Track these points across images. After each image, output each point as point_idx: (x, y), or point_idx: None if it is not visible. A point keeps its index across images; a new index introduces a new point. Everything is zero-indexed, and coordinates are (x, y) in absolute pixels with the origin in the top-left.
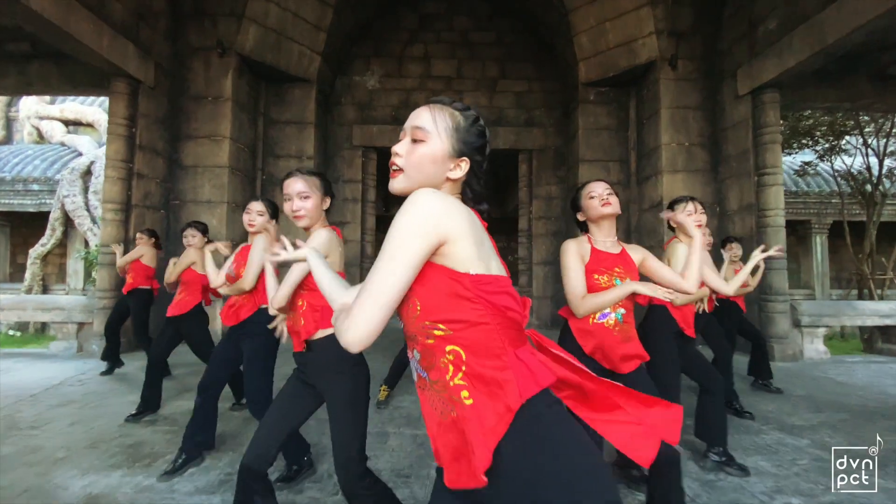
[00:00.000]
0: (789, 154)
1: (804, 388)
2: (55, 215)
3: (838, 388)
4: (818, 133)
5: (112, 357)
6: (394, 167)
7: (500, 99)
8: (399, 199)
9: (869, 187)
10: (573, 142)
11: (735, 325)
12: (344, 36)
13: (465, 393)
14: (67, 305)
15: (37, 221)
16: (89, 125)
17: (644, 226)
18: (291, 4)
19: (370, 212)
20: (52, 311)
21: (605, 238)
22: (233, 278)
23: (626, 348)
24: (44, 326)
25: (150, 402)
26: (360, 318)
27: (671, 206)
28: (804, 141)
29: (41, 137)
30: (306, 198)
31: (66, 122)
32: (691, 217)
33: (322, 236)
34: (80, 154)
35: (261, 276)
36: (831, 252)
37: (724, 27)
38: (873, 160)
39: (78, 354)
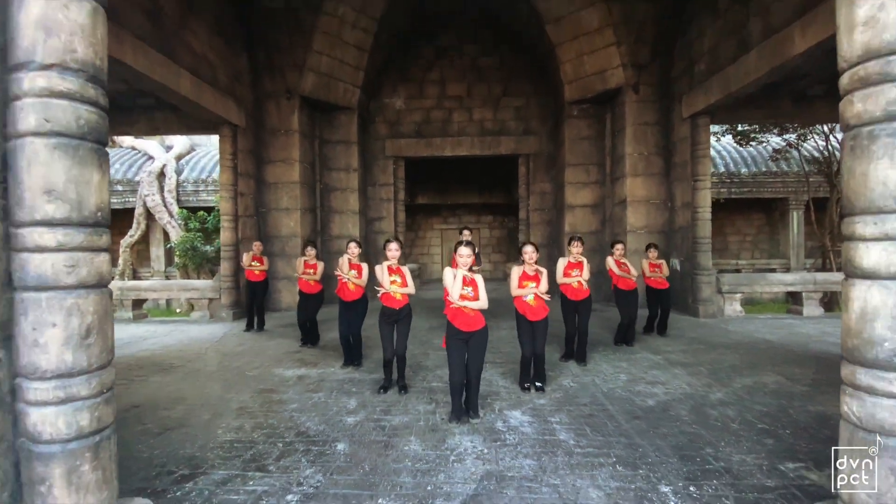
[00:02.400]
0: (762, 143)
1: (698, 333)
2: (139, 211)
3: (721, 333)
4: (788, 124)
5: (256, 321)
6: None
7: (503, 113)
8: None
9: (834, 167)
10: (561, 148)
11: (654, 299)
12: (376, 70)
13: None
14: (201, 287)
15: (119, 216)
16: None
17: (614, 216)
18: (338, 53)
19: (400, 208)
20: (191, 290)
21: (530, 265)
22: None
23: (537, 311)
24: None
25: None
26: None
27: (569, 242)
28: (775, 130)
29: (112, 142)
30: (397, 250)
31: None
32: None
33: (406, 269)
34: (151, 157)
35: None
36: (810, 226)
37: (675, 59)
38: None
39: (211, 320)
